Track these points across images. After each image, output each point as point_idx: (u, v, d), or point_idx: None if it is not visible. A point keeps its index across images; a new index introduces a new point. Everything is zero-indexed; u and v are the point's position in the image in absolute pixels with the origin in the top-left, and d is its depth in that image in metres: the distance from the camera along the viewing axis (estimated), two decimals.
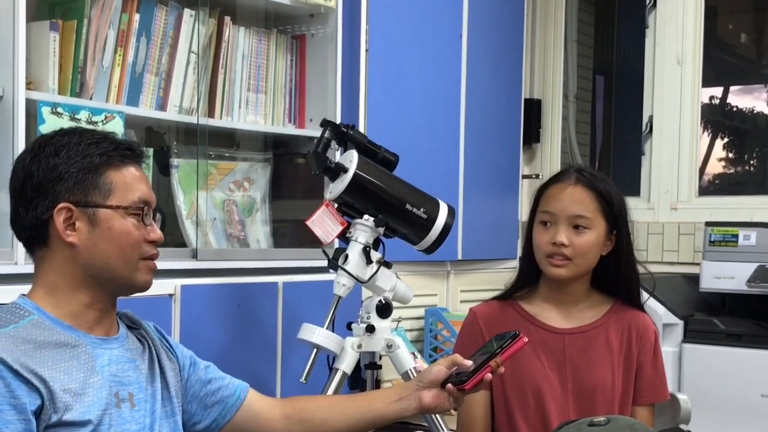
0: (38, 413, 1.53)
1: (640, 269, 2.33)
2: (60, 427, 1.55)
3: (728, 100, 4.71)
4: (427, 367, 1.97)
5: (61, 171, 1.63)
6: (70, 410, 1.56)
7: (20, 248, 1.74)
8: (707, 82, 4.22)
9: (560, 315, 2.30)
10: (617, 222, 2.25)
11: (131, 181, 1.69)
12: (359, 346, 2.43)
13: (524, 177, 4.28)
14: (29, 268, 1.72)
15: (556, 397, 2.23)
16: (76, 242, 1.64)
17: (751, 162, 4.88)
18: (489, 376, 1.84)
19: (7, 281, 2.16)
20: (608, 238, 2.26)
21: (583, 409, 2.19)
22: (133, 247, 1.68)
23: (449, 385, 1.87)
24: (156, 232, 1.72)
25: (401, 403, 1.92)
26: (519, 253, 2.60)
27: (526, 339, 1.88)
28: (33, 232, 1.66)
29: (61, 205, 1.63)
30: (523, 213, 4.13)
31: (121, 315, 1.81)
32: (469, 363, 1.87)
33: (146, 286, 1.74)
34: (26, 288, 1.70)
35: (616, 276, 2.30)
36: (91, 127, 2.28)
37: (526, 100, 4.29)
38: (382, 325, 2.45)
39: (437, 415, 2.44)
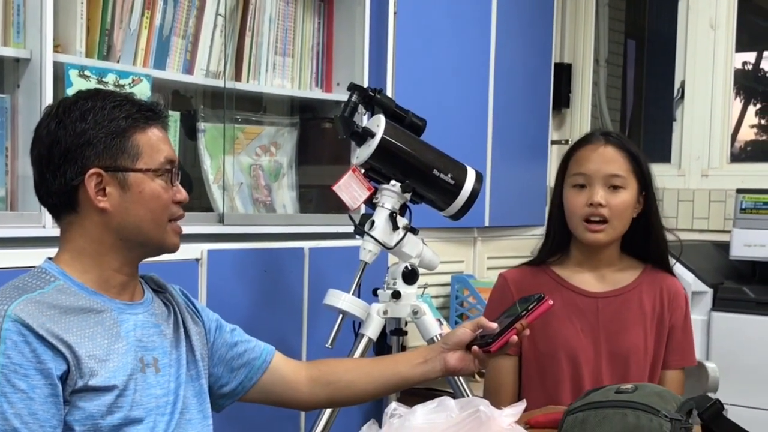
0: (64, 378, 1.54)
1: (669, 236, 2.32)
2: (86, 392, 1.55)
3: (761, 66, 4.64)
4: (452, 330, 1.96)
5: (89, 136, 1.62)
6: (96, 376, 1.56)
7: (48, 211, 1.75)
8: (741, 47, 4.16)
9: (593, 279, 2.29)
10: (646, 183, 2.24)
11: (156, 143, 1.68)
12: (385, 312, 2.42)
13: (553, 143, 4.24)
14: (57, 231, 1.72)
15: (590, 361, 2.22)
16: (107, 207, 1.64)
17: None
18: (515, 338, 1.83)
19: (35, 244, 2.17)
20: (638, 200, 2.25)
21: (617, 372, 2.18)
22: (163, 209, 1.68)
23: (475, 347, 1.86)
24: (182, 193, 1.72)
25: (426, 366, 1.91)
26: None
27: (551, 302, 1.87)
28: (61, 198, 1.65)
29: (92, 170, 1.62)
30: (552, 179, 4.09)
31: (146, 278, 1.81)
32: (494, 325, 1.86)
33: (175, 248, 1.74)
34: (54, 251, 1.70)
35: (647, 238, 2.29)
36: (118, 90, 2.28)
37: (556, 64, 4.24)
38: (408, 291, 2.45)
39: (462, 382, 2.44)
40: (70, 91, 2.24)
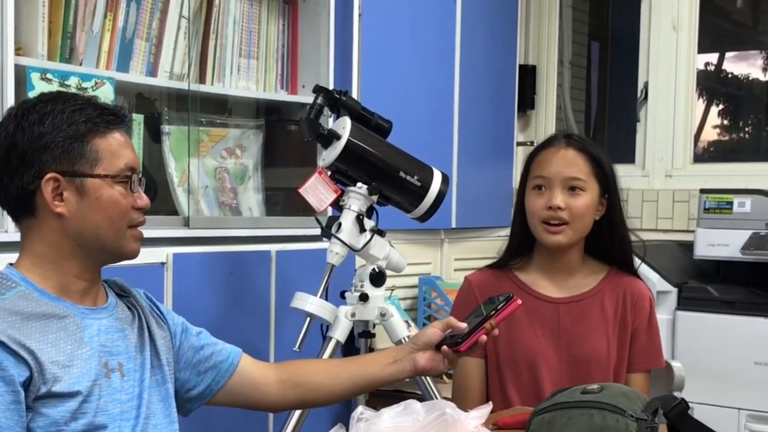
0: (27, 385, 1.52)
1: (632, 237, 2.33)
2: (49, 399, 1.54)
3: (723, 67, 4.69)
4: (421, 330, 1.96)
5: (47, 140, 1.61)
6: (59, 382, 1.55)
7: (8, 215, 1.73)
8: (703, 48, 4.19)
9: (555, 284, 2.29)
10: (609, 185, 2.25)
11: (117, 148, 1.66)
12: (353, 315, 2.42)
13: (519, 144, 4.26)
14: (19, 237, 1.70)
15: (551, 367, 2.22)
16: (64, 213, 1.62)
17: (746, 129, 4.86)
18: (484, 338, 1.83)
19: None
20: (600, 202, 2.25)
21: (578, 378, 2.18)
22: (121, 215, 1.66)
23: (444, 347, 1.86)
24: (143, 199, 1.70)
25: (396, 366, 1.91)
26: None
27: (519, 301, 1.87)
28: (19, 201, 1.64)
29: (49, 175, 1.61)
30: (518, 180, 4.11)
31: (110, 283, 1.80)
32: (463, 325, 1.86)
33: (134, 255, 1.72)
34: (16, 257, 1.68)
35: (611, 241, 2.29)
36: (81, 93, 2.26)
37: (520, 66, 4.26)
38: (375, 293, 2.44)
39: (430, 383, 2.44)
40: (32, 95, 2.21)
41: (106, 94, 2.39)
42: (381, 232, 2.45)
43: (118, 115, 1.69)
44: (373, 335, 2.53)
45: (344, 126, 2.36)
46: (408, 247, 3.49)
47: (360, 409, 1.57)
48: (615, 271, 2.32)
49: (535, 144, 4.18)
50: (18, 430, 1.50)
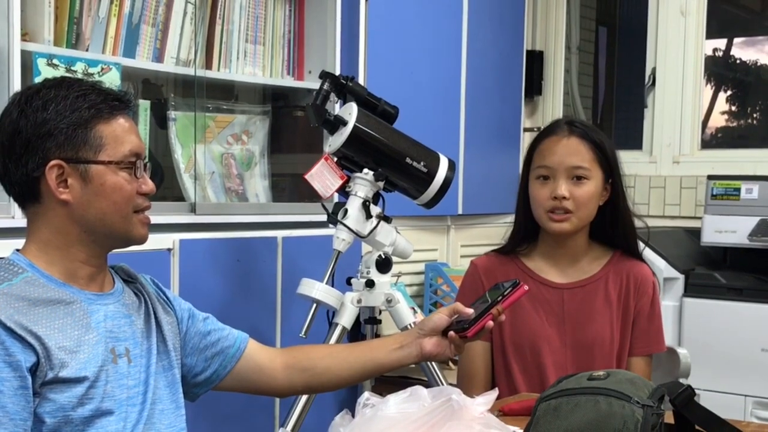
0: (34, 370, 1.52)
1: (637, 222, 2.33)
2: (56, 384, 1.54)
3: (732, 53, 4.66)
4: (428, 316, 1.96)
5: (50, 127, 1.60)
6: (66, 367, 1.55)
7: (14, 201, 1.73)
8: (711, 33, 4.18)
9: (559, 270, 2.29)
10: (612, 170, 2.24)
11: (121, 134, 1.65)
12: (359, 301, 2.42)
13: (526, 130, 4.25)
14: (26, 223, 1.70)
15: (554, 352, 2.23)
16: (69, 199, 1.62)
17: (754, 115, 4.84)
18: (490, 323, 1.83)
19: (4, 235, 2.14)
20: (604, 188, 2.25)
21: (581, 363, 2.19)
22: (126, 201, 1.66)
23: (451, 333, 1.85)
24: (148, 184, 1.69)
25: (402, 351, 1.90)
26: None
27: (526, 287, 1.86)
28: (24, 188, 1.63)
29: (53, 162, 1.60)
30: None
31: (116, 269, 1.80)
32: (470, 311, 1.86)
33: (143, 240, 1.72)
34: (23, 242, 1.68)
35: (614, 225, 2.29)
36: (85, 78, 2.25)
37: (528, 51, 4.24)
38: (381, 280, 2.44)
39: (436, 369, 2.45)
40: (38, 80, 2.21)
41: (112, 80, 2.39)
42: (387, 219, 2.45)
43: (122, 100, 1.68)
44: (379, 321, 2.53)
45: (351, 112, 2.36)
46: (414, 233, 3.49)
47: (366, 395, 1.57)
48: (619, 256, 2.32)
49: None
50: (25, 416, 1.51)
